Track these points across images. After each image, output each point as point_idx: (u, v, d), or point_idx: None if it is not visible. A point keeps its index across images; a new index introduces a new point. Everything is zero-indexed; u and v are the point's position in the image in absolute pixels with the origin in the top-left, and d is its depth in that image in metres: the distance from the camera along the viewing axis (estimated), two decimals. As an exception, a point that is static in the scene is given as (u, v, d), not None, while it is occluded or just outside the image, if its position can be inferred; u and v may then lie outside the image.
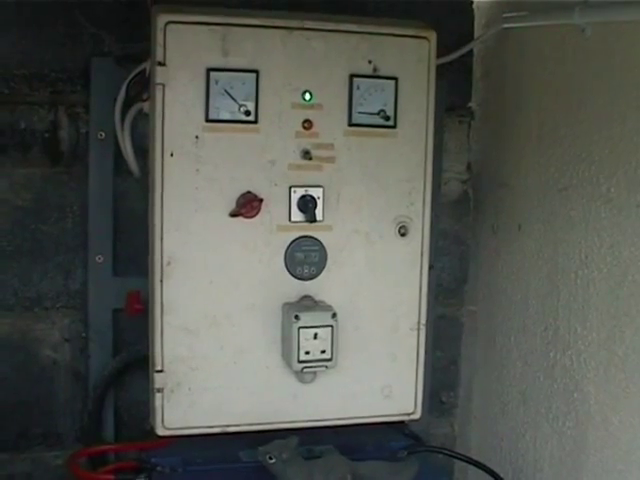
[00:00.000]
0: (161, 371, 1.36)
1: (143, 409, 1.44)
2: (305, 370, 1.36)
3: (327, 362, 1.36)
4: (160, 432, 1.39)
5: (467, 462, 1.54)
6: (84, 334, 1.62)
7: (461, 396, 1.81)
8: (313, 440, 1.42)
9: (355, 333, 1.41)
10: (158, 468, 1.42)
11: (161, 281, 1.34)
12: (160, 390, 1.37)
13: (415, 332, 1.45)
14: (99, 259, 1.60)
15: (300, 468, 1.33)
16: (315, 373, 1.39)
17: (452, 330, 1.82)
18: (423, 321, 1.46)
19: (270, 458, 1.33)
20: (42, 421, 1.63)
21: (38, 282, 1.61)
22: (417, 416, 1.49)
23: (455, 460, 1.73)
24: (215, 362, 1.38)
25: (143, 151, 1.44)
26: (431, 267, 1.48)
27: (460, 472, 1.68)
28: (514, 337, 1.66)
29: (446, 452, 1.55)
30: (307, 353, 1.35)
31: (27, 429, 1.62)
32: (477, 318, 1.80)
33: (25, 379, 1.61)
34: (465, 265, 1.82)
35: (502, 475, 1.56)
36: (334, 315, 1.35)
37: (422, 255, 1.45)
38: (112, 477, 1.44)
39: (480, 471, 1.47)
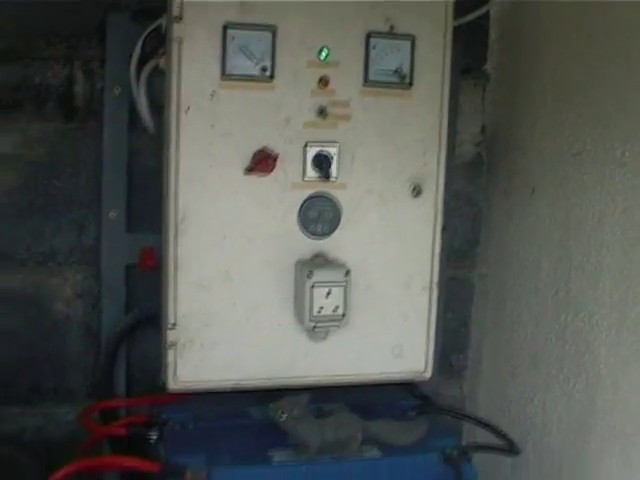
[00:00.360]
0: (174, 326, 1.37)
1: (154, 365, 1.44)
2: (317, 328, 1.37)
3: (339, 320, 1.37)
4: (172, 387, 1.39)
5: (476, 423, 1.55)
6: (97, 290, 1.63)
7: (471, 358, 1.82)
8: (323, 399, 1.43)
9: (367, 292, 1.42)
10: (169, 423, 1.44)
11: (175, 237, 1.34)
12: (172, 345, 1.37)
13: (427, 292, 1.46)
14: (112, 215, 1.60)
15: (311, 425, 1.34)
16: (327, 331, 1.39)
17: (463, 292, 1.82)
18: (435, 281, 1.46)
19: (281, 414, 1.34)
20: (54, 376, 1.63)
21: (51, 237, 1.62)
22: (428, 375, 1.49)
23: (464, 422, 1.75)
24: (228, 318, 1.38)
25: (158, 107, 1.44)
26: (444, 228, 1.49)
27: (469, 434, 1.68)
28: (525, 300, 1.67)
29: (455, 413, 1.55)
30: (319, 311, 1.35)
31: (38, 384, 1.63)
32: (488, 281, 1.81)
33: (37, 334, 1.62)
34: (477, 228, 1.82)
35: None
36: (347, 273, 1.35)
37: (435, 215, 1.45)
38: (124, 430, 1.46)
39: (488, 433, 1.48)
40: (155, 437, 1.41)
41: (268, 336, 1.41)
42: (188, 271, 1.35)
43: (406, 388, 1.60)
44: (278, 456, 1.35)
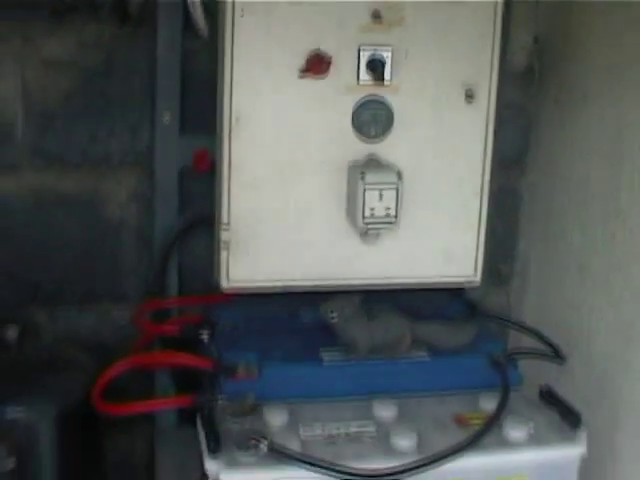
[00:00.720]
0: (227, 226, 1.39)
1: (206, 268, 1.46)
2: (369, 229, 1.38)
3: (391, 222, 1.38)
4: (224, 287, 1.42)
5: (523, 330, 1.57)
6: (150, 193, 1.65)
7: (518, 267, 1.82)
8: (373, 302, 1.45)
9: (419, 195, 1.42)
10: (221, 322, 1.47)
11: (229, 138, 1.36)
12: (225, 245, 1.40)
13: (478, 197, 1.46)
14: (166, 118, 1.61)
15: (361, 326, 1.37)
16: (378, 233, 1.41)
17: (511, 201, 1.82)
18: (487, 186, 1.46)
19: (332, 314, 1.37)
20: (107, 280, 1.67)
21: (105, 141, 1.64)
22: (477, 281, 1.51)
23: (510, 330, 1.77)
24: (280, 219, 1.40)
25: (212, 11, 1.44)
26: (495, 133, 1.48)
27: (514, 342, 1.70)
28: (574, 209, 1.67)
29: (503, 319, 1.58)
30: (372, 212, 1.36)
31: (93, 286, 1.67)
32: (537, 189, 1.80)
33: (92, 237, 1.65)
34: (527, 137, 1.81)
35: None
36: (399, 175, 1.36)
37: (487, 121, 1.45)
38: (177, 329, 1.49)
39: (534, 342, 1.50)
40: (207, 336, 1.45)
41: (320, 238, 1.42)
42: (241, 172, 1.37)
43: (454, 295, 1.62)
44: (328, 356, 1.39)
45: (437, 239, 1.47)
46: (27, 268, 1.64)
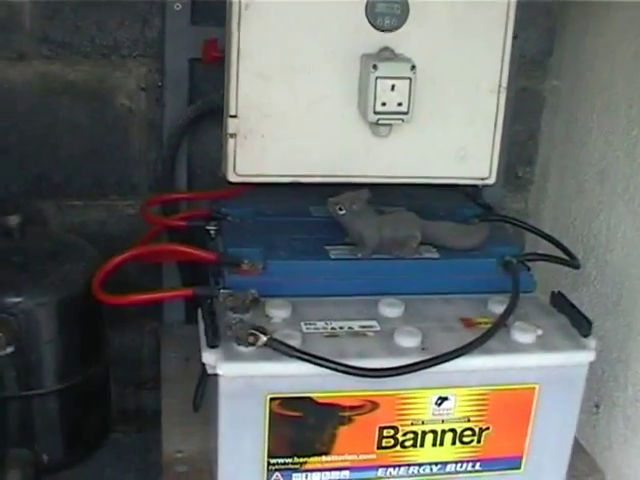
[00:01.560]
0: (235, 116, 1.35)
1: (216, 162, 1.43)
2: (380, 121, 1.33)
3: (403, 115, 1.32)
4: (231, 178, 1.39)
5: (538, 234, 1.53)
6: (160, 83, 1.61)
7: (537, 173, 1.77)
8: (385, 201, 1.42)
9: (433, 90, 1.36)
10: (229, 217, 1.44)
11: (238, 25, 1.30)
12: (233, 135, 1.35)
13: (495, 95, 1.40)
14: (177, 6, 1.55)
15: (370, 221, 1.33)
16: (390, 126, 1.36)
17: (533, 104, 1.76)
18: (504, 84, 1.40)
19: (340, 209, 1.33)
20: (116, 170, 1.64)
21: (115, 30, 1.59)
22: (491, 181, 1.46)
23: (526, 237, 1.73)
24: (289, 110, 1.35)
25: None
26: (515, 37, 1.42)
27: (531, 248, 1.67)
28: (596, 114, 1.61)
29: (518, 221, 1.53)
30: (383, 104, 1.31)
31: (101, 178, 1.64)
32: (560, 93, 1.74)
33: (100, 127, 1.61)
34: (551, 38, 1.74)
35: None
36: (413, 67, 1.30)
37: (507, 19, 1.38)
38: (184, 223, 1.47)
39: (550, 248, 1.46)
40: (214, 230, 1.43)
41: (330, 130, 1.37)
42: (250, 61, 1.32)
43: (470, 196, 1.58)
44: (335, 252, 1.35)
45: (451, 136, 1.41)
46: (34, 158, 1.61)
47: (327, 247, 1.35)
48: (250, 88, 1.33)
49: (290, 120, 1.36)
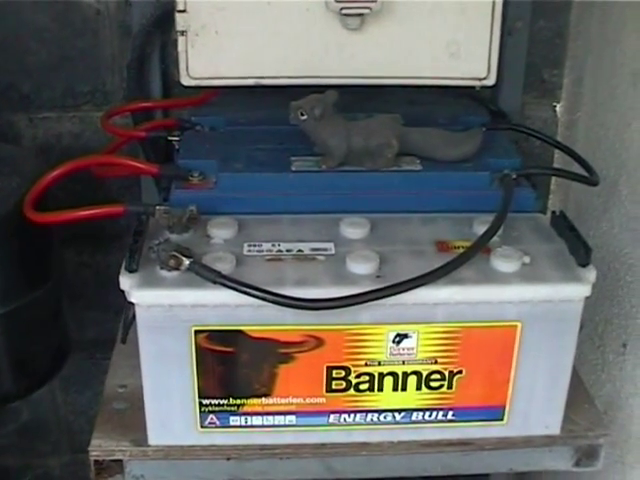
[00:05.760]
0: (183, 11, 1.18)
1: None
2: (344, 11, 1.13)
3: (371, 3, 1.13)
4: (185, 82, 1.23)
5: (553, 145, 1.32)
6: (127, -16, 1.43)
7: (567, 76, 1.52)
8: (372, 108, 1.23)
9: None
10: (197, 127, 1.28)
11: None
12: (183, 33, 1.19)
13: (493, -22, 1.19)
14: None
15: (337, 127, 1.14)
16: (361, 17, 1.16)
17: (561, -1, 1.51)
18: (503, -37, 1.18)
19: (302, 113, 1.14)
20: (88, 77, 1.48)
21: None
22: (491, 82, 1.25)
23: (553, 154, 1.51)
24: (246, 1, 1.17)
25: None
26: None
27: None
28: (629, 7, 1.35)
29: (528, 130, 1.31)
30: (348, -10, 1.12)
31: (73, 86, 1.48)
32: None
33: (68, 32, 1.45)
34: None
35: (604, 171, 1.34)
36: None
37: None
38: (143, 134, 1.31)
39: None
40: (177, 142, 1.27)
41: (294, 23, 1.19)
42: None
43: (481, 101, 1.38)
44: (298, 163, 1.17)
45: (439, 29, 1.20)
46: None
47: (293, 158, 1.17)
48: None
49: (247, 13, 1.18)
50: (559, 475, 1.52)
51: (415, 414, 1.06)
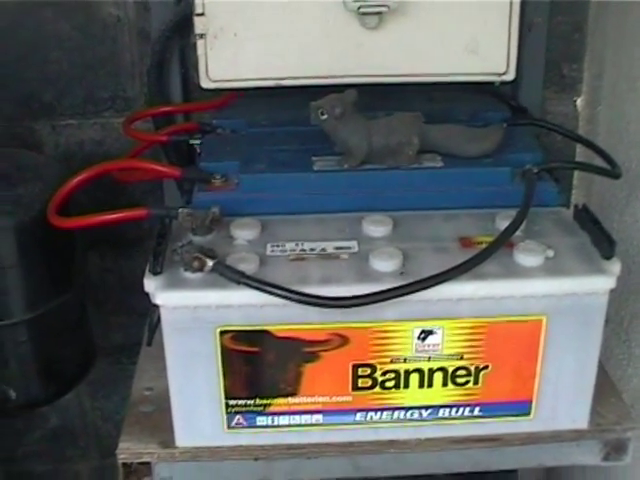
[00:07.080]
0: (202, 14, 1.18)
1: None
2: (362, 10, 1.14)
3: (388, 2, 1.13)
4: (204, 84, 1.24)
5: (574, 139, 1.32)
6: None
7: (588, 70, 1.51)
8: (393, 106, 1.23)
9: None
10: (218, 130, 1.28)
11: None
12: (202, 36, 1.19)
13: (510, -28, 1.19)
14: None
15: (357, 126, 1.14)
16: (379, 16, 1.16)
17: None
18: (521, -42, 1.18)
19: (322, 113, 1.14)
20: (109, 84, 1.48)
21: None
22: (510, 77, 1.25)
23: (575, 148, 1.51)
24: (265, 4, 1.18)
25: None
26: None
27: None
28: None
29: (549, 125, 1.31)
30: (366, -11, 1.12)
31: (93, 93, 1.49)
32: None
33: (88, 39, 1.46)
34: None
35: (626, 163, 1.33)
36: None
37: None
38: (165, 138, 1.32)
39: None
40: (199, 145, 1.27)
41: (312, 24, 1.19)
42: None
43: (502, 97, 1.37)
44: (320, 163, 1.17)
45: (457, 26, 1.20)
46: (21, 78, 1.47)
47: (314, 158, 1.18)
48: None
49: (265, 14, 1.19)
50: (588, 472, 1.52)
51: (442, 410, 1.06)
